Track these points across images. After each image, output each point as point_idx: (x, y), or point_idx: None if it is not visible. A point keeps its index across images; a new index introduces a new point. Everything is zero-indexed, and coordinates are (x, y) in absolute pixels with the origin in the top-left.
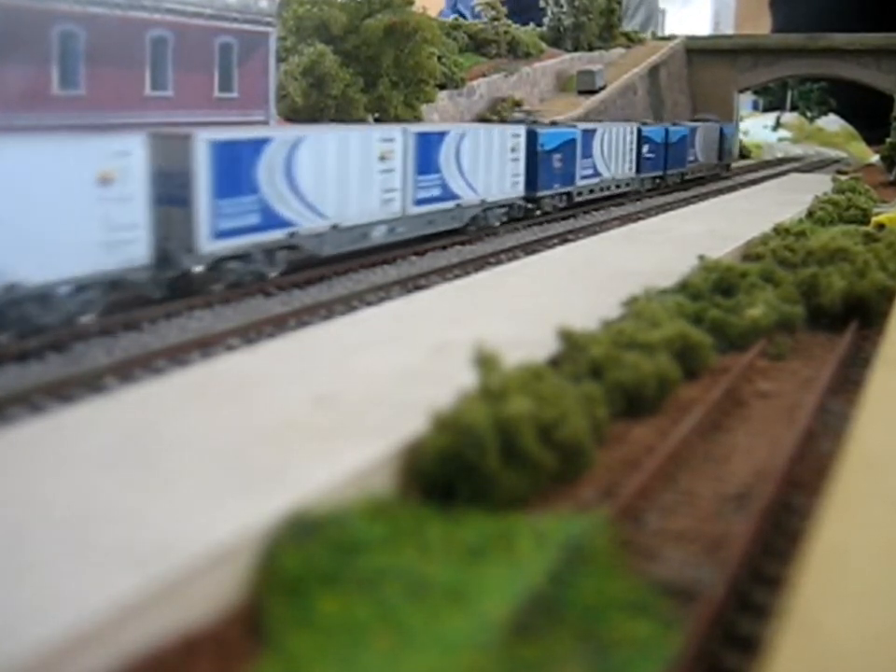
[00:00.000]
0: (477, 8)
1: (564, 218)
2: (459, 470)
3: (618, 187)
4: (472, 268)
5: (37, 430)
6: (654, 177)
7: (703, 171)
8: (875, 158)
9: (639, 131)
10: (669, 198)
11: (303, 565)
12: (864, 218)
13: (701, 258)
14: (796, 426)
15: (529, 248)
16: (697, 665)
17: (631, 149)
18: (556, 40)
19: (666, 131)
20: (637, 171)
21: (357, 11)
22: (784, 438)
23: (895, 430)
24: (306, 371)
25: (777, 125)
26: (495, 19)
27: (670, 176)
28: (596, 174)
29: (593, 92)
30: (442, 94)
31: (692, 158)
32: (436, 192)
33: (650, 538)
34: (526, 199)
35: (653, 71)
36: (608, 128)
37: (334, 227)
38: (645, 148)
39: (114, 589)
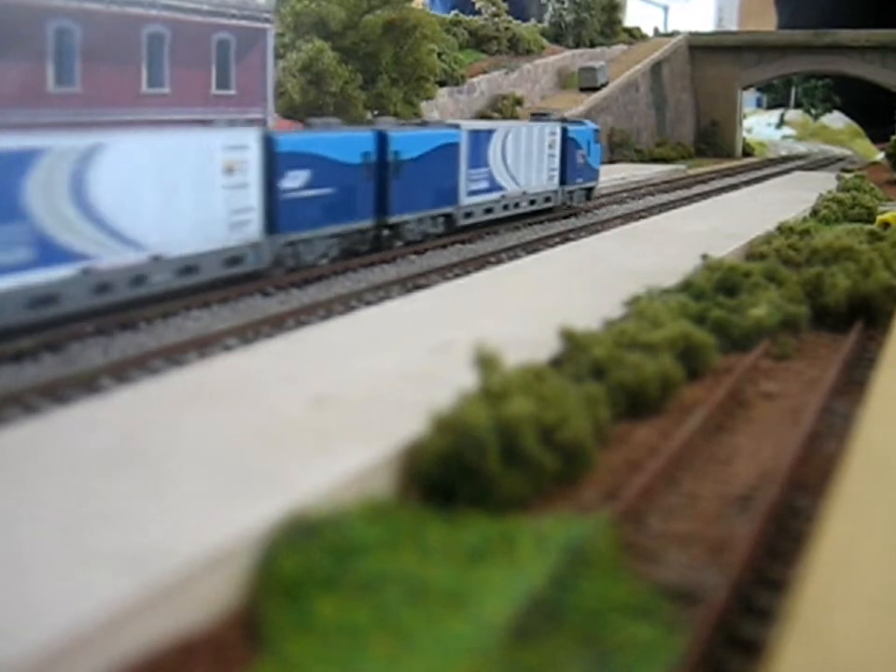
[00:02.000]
0: (478, 5)
1: (565, 217)
2: (459, 472)
3: (189, 270)
4: (472, 267)
5: (32, 431)
6: (347, 234)
7: (518, 206)
8: (880, 155)
9: (269, 143)
10: (671, 196)
11: (301, 568)
12: (869, 217)
13: (704, 257)
14: (800, 427)
15: (530, 247)
16: (700, 669)
17: (240, 189)
18: (558, 36)
19: (381, 138)
20: (272, 229)
21: (356, 7)
22: (788, 439)
23: None
24: (304, 371)
25: (781, 122)
26: (495, 15)
27: (408, 228)
28: (72, 256)
29: (595, 89)
30: (442, 91)
31: (481, 186)
32: None
33: (652, 540)
34: None
35: (656, 68)
36: (140, 143)
37: None
38: (295, 180)
39: (109, 592)
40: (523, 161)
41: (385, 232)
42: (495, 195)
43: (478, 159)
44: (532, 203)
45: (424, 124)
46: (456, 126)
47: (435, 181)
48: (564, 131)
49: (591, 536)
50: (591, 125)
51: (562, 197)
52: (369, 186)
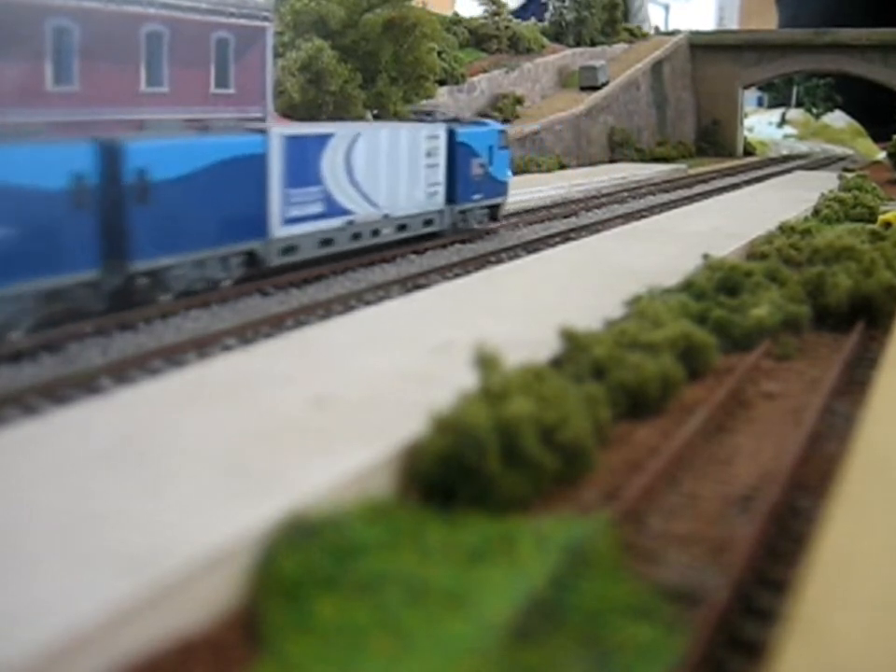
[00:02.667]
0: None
1: (565, 216)
2: (459, 472)
3: None
4: (473, 267)
5: (31, 432)
6: (55, 293)
7: (378, 234)
8: (881, 155)
9: None
10: (672, 195)
11: (301, 568)
12: (871, 217)
13: (705, 256)
14: (802, 427)
15: (531, 247)
16: (701, 669)
17: None
18: (558, 35)
19: (106, 153)
20: None
21: (356, 6)
22: (789, 440)
23: None
24: (304, 371)
25: (783, 121)
26: (496, 13)
27: (175, 275)
28: None
29: (595, 88)
30: (442, 90)
31: (310, 211)
32: None
33: (652, 541)
34: None
35: (657, 67)
36: None
37: None
38: None
39: (109, 592)
40: (383, 175)
41: (141, 282)
42: (335, 221)
43: (303, 174)
44: (402, 228)
45: (205, 129)
46: (261, 131)
47: (221, 208)
48: (451, 134)
49: (591, 536)
50: (495, 126)
51: (450, 219)
52: (86, 220)
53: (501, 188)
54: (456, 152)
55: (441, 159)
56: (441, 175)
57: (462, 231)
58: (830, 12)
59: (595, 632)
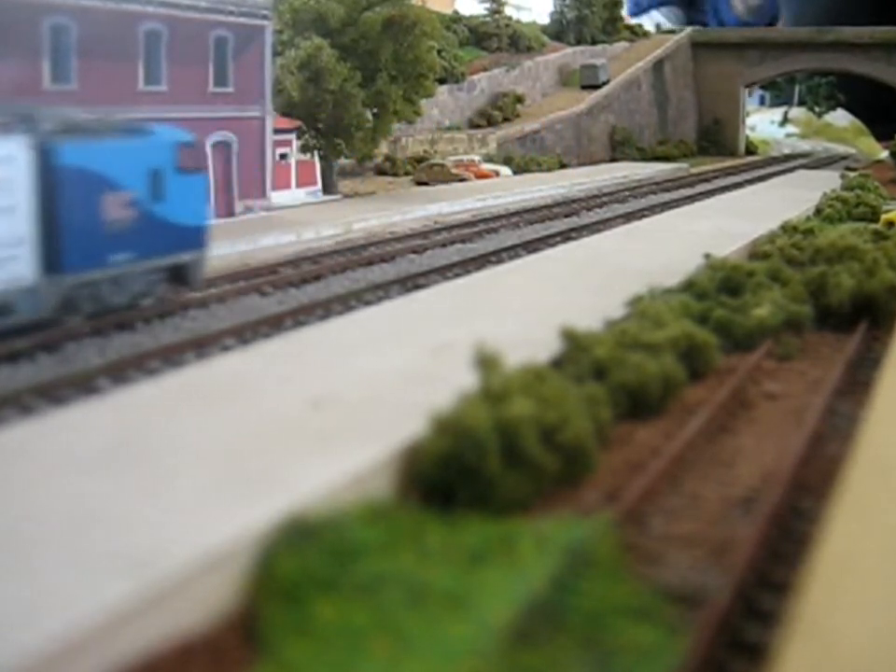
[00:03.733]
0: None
1: (566, 215)
2: (459, 474)
3: None
4: (473, 266)
5: (28, 432)
6: None
7: None
8: (884, 154)
9: None
10: (674, 194)
11: (300, 570)
12: (874, 216)
13: (707, 256)
14: (804, 428)
15: (531, 246)
16: (702, 671)
17: None
18: (559, 33)
19: None
20: None
21: (355, 4)
22: (791, 440)
23: None
24: (303, 371)
25: (785, 120)
26: (496, 11)
27: None
28: None
29: (596, 87)
30: (442, 89)
31: None
32: None
33: (654, 542)
34: None
35: (658, 65)
36: None
37: None
38: None
39: (106, 595)
40: None
41: None
42: None
43: None
44: None
45: None
46: None
47: None
48: (45, 153)
49: (592, 537)
50: (165, 135)
51: (54, 299)
52: None
53: (189, 237)
54: (59, 183)
55: (21, 196)
56: (20, 224)
57: (105, 315)
58: (832, 11)
59: (596, 634)
